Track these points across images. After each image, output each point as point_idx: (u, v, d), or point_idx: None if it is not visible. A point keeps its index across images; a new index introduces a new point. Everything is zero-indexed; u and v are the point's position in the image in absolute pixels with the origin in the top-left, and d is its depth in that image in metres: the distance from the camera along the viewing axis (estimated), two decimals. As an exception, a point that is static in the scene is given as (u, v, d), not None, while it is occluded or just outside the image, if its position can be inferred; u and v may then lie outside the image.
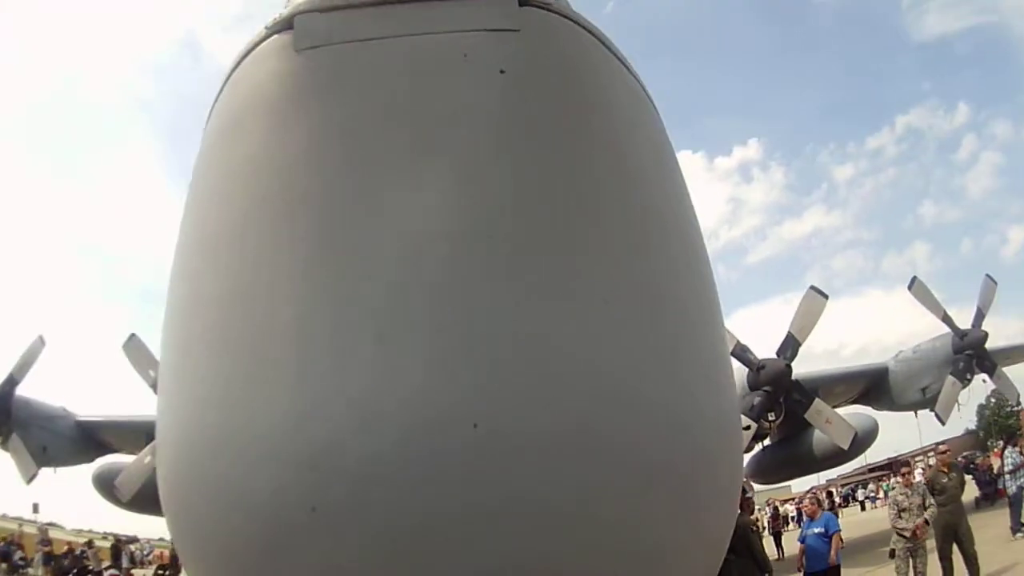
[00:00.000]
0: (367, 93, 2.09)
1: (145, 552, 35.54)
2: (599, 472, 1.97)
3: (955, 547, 13.42)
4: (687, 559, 2.26)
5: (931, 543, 13.11)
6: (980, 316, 21.06)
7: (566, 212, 2.08)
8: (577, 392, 1.96)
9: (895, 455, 51.85)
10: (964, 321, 20.92)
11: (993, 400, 54.15)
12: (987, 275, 21.54)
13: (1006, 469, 19.51)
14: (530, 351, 1.96)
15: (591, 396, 1.98)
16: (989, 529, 16.67)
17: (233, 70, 2.33)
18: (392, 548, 1.93)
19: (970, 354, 20.51)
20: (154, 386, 14.78)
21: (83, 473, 18.44)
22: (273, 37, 2.18)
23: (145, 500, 15.60)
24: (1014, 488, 18.55)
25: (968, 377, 20.57)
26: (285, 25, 2.16)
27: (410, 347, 1.91)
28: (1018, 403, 23.02)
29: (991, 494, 24.81)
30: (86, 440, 17.35)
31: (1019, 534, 17.55)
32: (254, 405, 1.98)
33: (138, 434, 16.96)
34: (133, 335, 16.27)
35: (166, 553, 32.41)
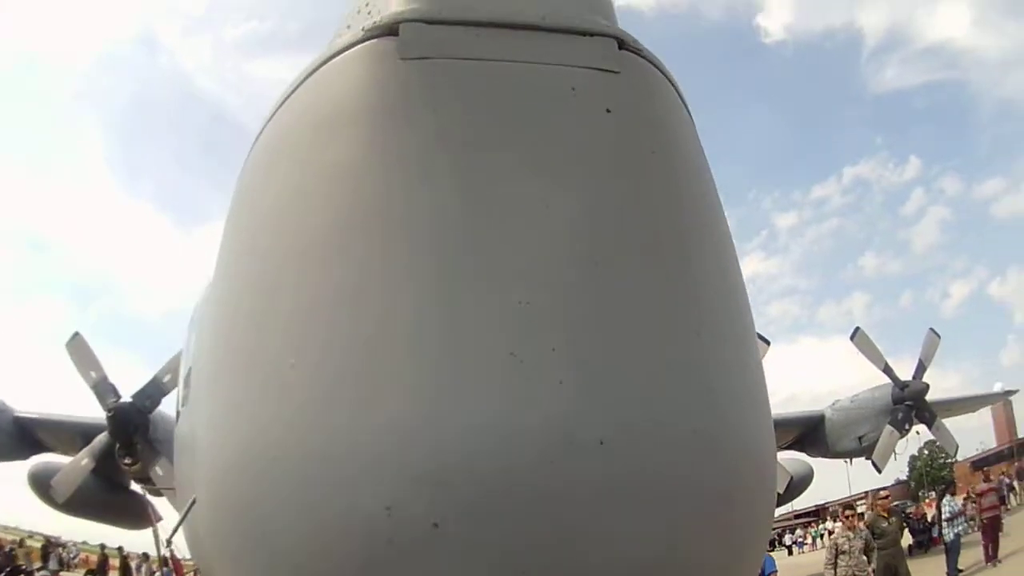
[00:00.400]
0: (481, 111, 2.16)
1: (72, 555, 34.36)
2: (717, 490, 2.11)
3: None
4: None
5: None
6: (922, 368, 21.43)
7: (665, 242, 2.22)
8: (691, 414, 2.09)
9: (822, 502, 53.10)
10: (901, 372, 21.34)
11: (926, 452, 55.39)
12: (931, 329, 21.95)
13: (944, 517, 20.09)
14: (653, 374, 2.07)
15: (703, 418, 2.11)
16: (925, 574, 17.03)
17: (317, 68, 2.31)
18: (522, 565, 1.95)
19: (910, 405, 20.88)
20: (99, 388, 14.58)
21: (13, 470, 17.92)
22: (371, 41, 2.20)
23: (79, 503, 15.27)
24: (951, 535, 19.09)
25: (907, 427, 20.86)
26: (385, 31, 2.18)
27: (543, 367, 1.97)
28: (955, 454, 23.46)
29: (925, 542, 25.42)
30: (22, 436, 16.65)
31: (955, 580, 18.01)
32: (366, 418, 1.94)
33: (74, 435, 16.38)
34: (77, 334, 15.66)
35: (92, 558, 31.56)
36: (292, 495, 2.00)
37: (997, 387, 27.58)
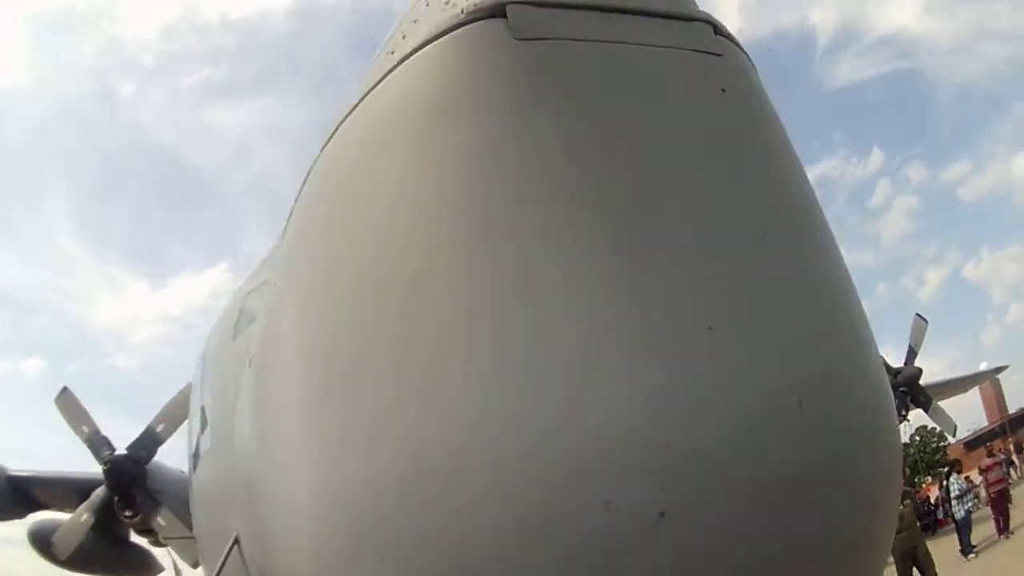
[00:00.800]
0: (611, 90, 2.17)
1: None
2: (884, 466, 2.17)
3: (914, 570, 14.16)
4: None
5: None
6: (912, 354, 21.65)
7: (797, 216, 2.29)
8: (855, 390, 2.11)
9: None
10: (889, 361, 21.49)
11: (918, 438, 55.82)
12: (917, 314, 22.16)
13: (952, 495, 20.37)
14: (827, 356, 2.07)
15: (865, 393, 2.15)
16: (938, 555, 17.12)
17: (412, 53, 2.28)
18: (744, 545, 1.89)
19: (904, 391, 21.07)
20: (93, 442, 14.36)
21: (10, 529, 17.65)
22: (479, 23, 2.18)
23: (82, 559, 15.00)
24: (962, 512, 19.41)
25: (903, 413, 21.12)
26: (490, 12, 2.18)
27: (744, 341, 1.94)
28: (955, 434, 23.67)
29: (931, 524, 25.54)
30: (17, 495, 16.42)
31: (971, 555, 18.27)
32: (579, 414, 1.84)
33: (70, 491, 16.19)
34: (65, 388, 15.40)
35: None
36: (480, 505, 1.90)
37: (983, 366, 27.95)
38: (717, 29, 2.40)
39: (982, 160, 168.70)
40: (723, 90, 2.28)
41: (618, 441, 1.80)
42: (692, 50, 2.31)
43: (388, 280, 2.20)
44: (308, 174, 2.76)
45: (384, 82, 2.34)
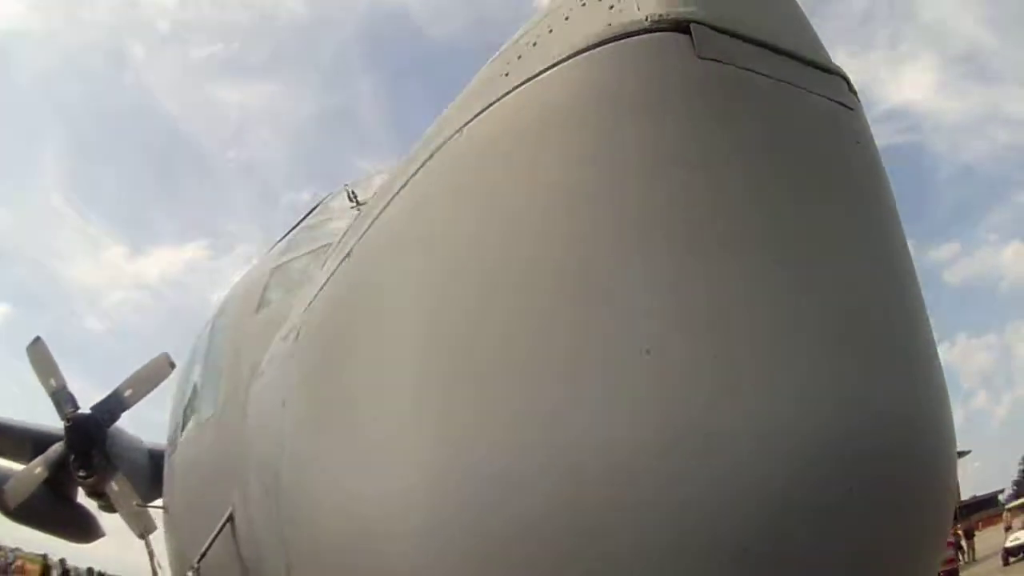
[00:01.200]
0: (768, 121, 2.33)
1: (9, 560, 33.07)
2: (946, 483, 2.34)
3: None
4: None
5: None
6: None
7: (898, 257, 2.47)
8: (927, 409, 2.28)
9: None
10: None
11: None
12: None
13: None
14: (903, 374, 2.25)
15: (935, 411, 2.31)
16: None
17: (593, 47, 2.38)
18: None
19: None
20: (58, 396, 14.09)
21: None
22: (664, 34, 2.31)
23: (28, 511, 14.78)
24: None
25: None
26: (674, 26, 2.31)
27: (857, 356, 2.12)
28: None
29: None
30: (-31, 439, 16.14)
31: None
32: (732, 407, 1.98)
33: (24, 441, 15.87)
34: (39, 338, 15.12)
35: (29, 566, 30.60)
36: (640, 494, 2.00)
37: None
38: (849, 85, 2.63)
39: (972, 245, 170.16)
40: (857, 142, 2.52)
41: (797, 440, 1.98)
42: (834, 101, 2.51)
43: (536, 273, 2.29)
44: (432, 152, 2.81)
45: (549, 73, 2.45)
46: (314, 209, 7.10)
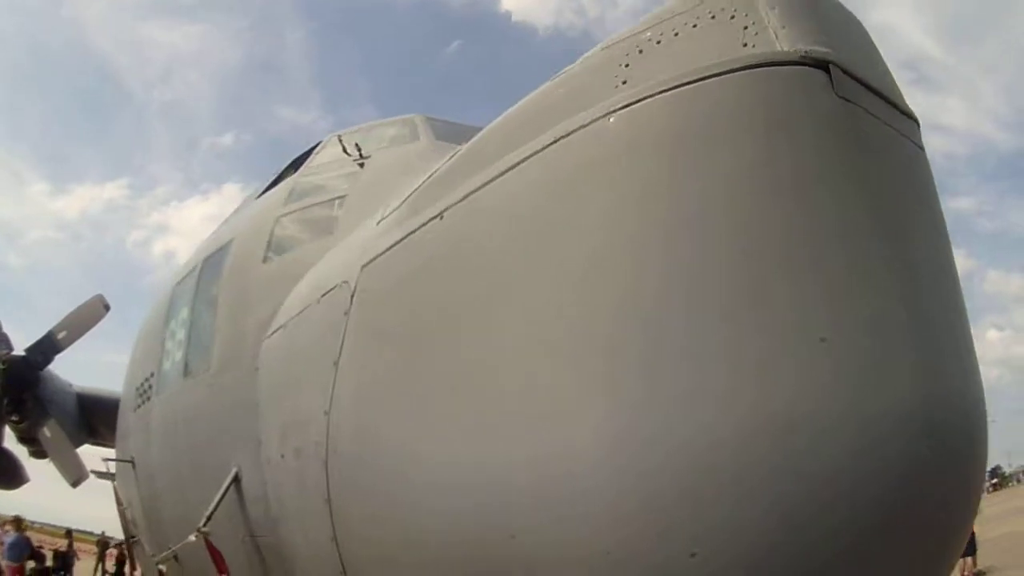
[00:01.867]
0: (879, 162, 2.64)
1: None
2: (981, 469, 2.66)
3: None
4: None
5: None
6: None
7: (950, 275, 2.78)
8: (978, 402, 2.62)
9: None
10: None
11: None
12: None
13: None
14: (968, 367, 2.63)
15: (979, 406, 2.63)
16: None
17: (731, 71, 2.61)
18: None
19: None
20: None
21: None
22: (807, 68, 2.57)
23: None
24: None
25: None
26: (814, 63, 2.57)
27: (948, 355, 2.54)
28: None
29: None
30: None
31: None
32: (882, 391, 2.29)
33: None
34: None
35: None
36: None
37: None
38: (919, 128, 3.01)
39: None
40: (931, 179, 2.94)
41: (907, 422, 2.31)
42: (916, 144, 2.92)
43: (703, 277, 2.50)
44: (559, 136, 2.92)
45: (677, 91, 2.66)
46: (303, 158, 6.92)
